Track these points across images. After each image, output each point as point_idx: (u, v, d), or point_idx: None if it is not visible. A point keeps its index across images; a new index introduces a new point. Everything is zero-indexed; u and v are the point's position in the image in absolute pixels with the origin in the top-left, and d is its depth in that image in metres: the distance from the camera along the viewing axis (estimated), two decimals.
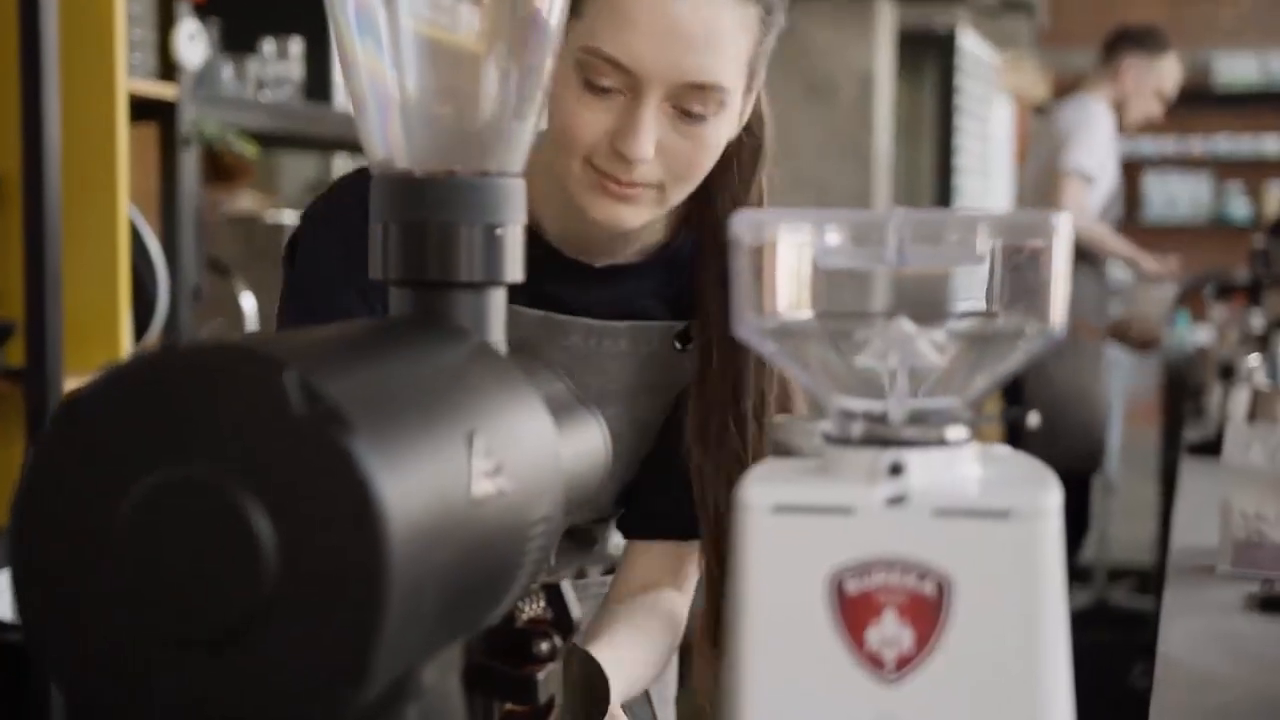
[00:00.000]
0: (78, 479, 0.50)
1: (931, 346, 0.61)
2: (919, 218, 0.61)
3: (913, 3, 5.47)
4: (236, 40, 3.12)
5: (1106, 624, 4.54)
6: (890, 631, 0.59)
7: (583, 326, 1.24)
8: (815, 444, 0.63)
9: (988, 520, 0.58)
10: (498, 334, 0.64)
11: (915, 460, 0.60)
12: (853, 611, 0.59)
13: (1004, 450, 0.66)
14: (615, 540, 1.38)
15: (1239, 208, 8.03)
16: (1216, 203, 8.11)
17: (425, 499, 0.50)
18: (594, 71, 1.10)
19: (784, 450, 0.68)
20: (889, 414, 0.61)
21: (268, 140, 3.31)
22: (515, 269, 0.64)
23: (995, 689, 0.59)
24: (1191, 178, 8.11)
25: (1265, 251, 3.43)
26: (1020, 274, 0.62)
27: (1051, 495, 0.60)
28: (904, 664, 0.59)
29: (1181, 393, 4.30)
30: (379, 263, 0.62)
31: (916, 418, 0.61)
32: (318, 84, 3.27)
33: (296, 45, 3.22)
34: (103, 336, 2.51)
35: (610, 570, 1.39)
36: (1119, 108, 4.34)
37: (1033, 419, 0.62)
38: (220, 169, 3.47)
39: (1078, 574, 4.61)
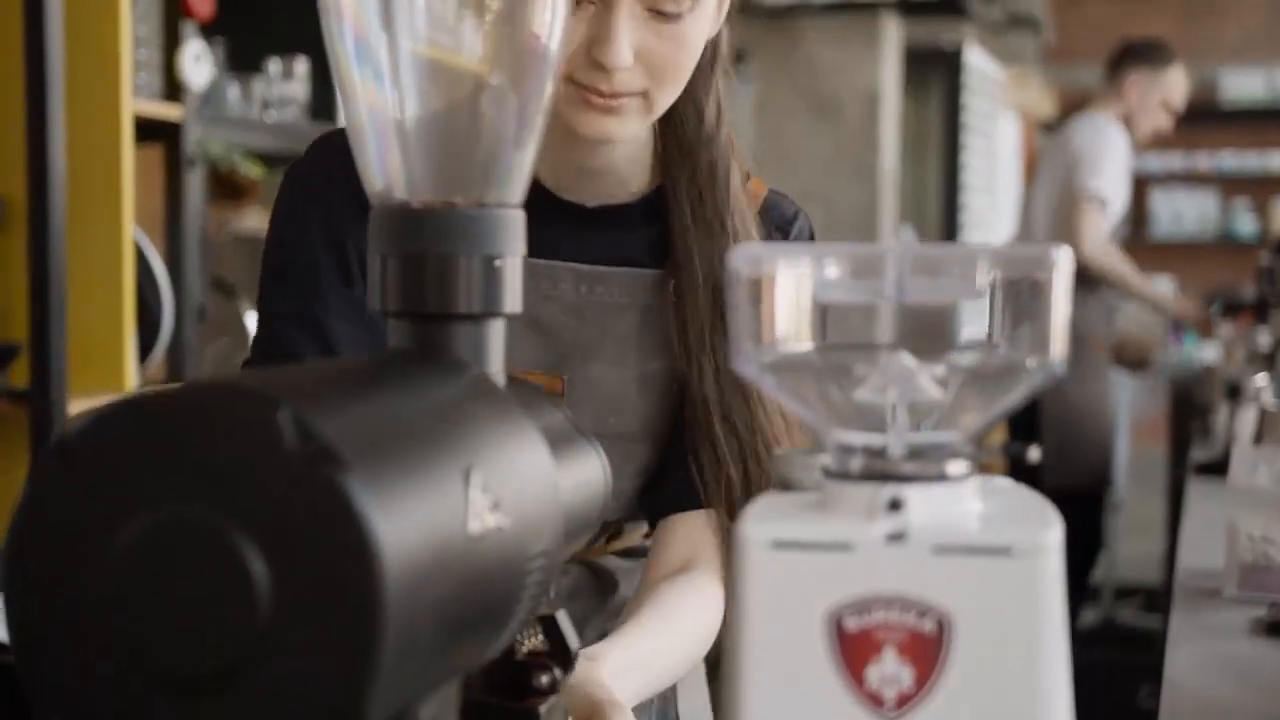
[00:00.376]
0: (71, 517, 0.49)
1: (932, 381, 0.60)
2: (919, 251, 0.61)
3: (919, 20, 5.47)
4: (242, 60, 3.12)
5: (1114, 643, 4.53)
6: (890, 669, 0.58)
7: (571, 272, 1.22)
8: (815, 477, 0.62)
9: (988, 557, 0.58)
10: (497, 365, 0.64)
11: (915, 496, 0.59)
12: (852, 649, 0.59)
13: (1005, 483, 0.65)
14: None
15: (1245, 224, 8.03)
16: (1223, 219, 8.10)
17: (421, 536, 0.50)
18: None
19: (784, 483, 0.68)
20: (889, 449, 0.61)
21: (273, 160, 3.31)
22: (515, 300, 0.64)
23: None
24: (1198, 194, 8.10)
25: (1271, 269, 3.42)
26: (1021, 307, 0.61)
27: (1052, 532, 0.59)
28: (904, 702, 0.59)
29: (1189, 411, 4.29)
30: (377, 294, 0.62)
31: (916, 452, 0.60)
32: (323, 104, 3.27)
33: (302, 65, 3.23)
34: (107, 358, 2.51)
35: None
36: (1128, 123, 4.31)
37: (1033, 454, 0.62)
38: (226, 188, 3.48)
39: (1086, 593, 4.60)
